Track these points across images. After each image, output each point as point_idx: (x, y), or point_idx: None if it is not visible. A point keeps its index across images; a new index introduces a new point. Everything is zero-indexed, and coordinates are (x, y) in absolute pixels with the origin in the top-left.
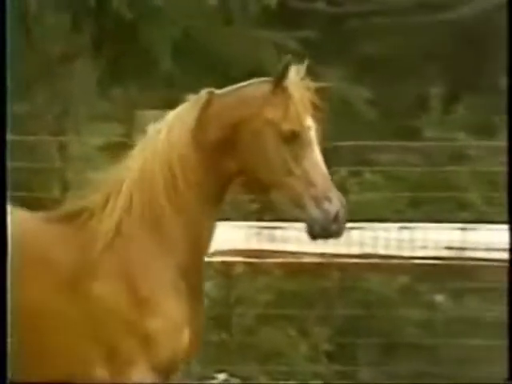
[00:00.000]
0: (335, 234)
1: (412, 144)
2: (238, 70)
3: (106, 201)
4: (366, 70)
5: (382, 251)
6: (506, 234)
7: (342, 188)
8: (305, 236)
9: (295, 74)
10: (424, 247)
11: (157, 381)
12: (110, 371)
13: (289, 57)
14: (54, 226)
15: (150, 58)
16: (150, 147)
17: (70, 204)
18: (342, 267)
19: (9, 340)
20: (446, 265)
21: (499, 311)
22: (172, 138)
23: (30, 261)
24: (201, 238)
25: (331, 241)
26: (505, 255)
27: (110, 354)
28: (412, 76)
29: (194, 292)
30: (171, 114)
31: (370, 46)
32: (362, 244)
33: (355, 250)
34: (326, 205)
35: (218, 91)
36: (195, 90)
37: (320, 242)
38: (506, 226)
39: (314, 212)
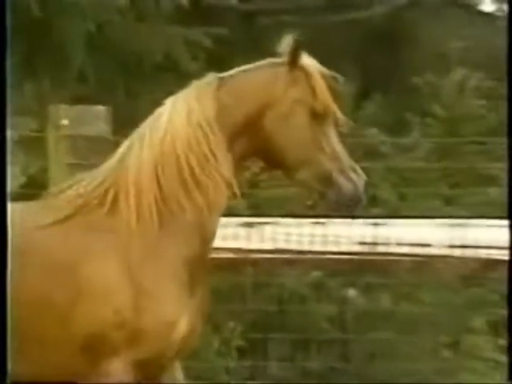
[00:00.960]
0: (353, 207)
1: None
2: (149, 65)
3: (116, 195)
4: None
5: (294, 246)
6: (418, 229)
7: (254, 183)
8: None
9: (304, 55)
10: (337, 242)
11: (135, 375)
12: (87, 360)
13: (295, 37)
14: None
15: (63, 53)
16: (158, 132)
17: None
18: (255, 263)
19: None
20: (358, 260)
21: (411, 306)
22: (194, 120)
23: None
24: (207, 229)
25: (244, 236)
26: (417, 250)
27: (92, 341)
28: None
29: (195, 284)
30: (175, 100)
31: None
32: (274, 239)
33: (268, 246)
34: (354, 177)
35: (222, 75)
36: (108, 85)
37: (231, 237)
38: (416, 221)
39: (345, 184)
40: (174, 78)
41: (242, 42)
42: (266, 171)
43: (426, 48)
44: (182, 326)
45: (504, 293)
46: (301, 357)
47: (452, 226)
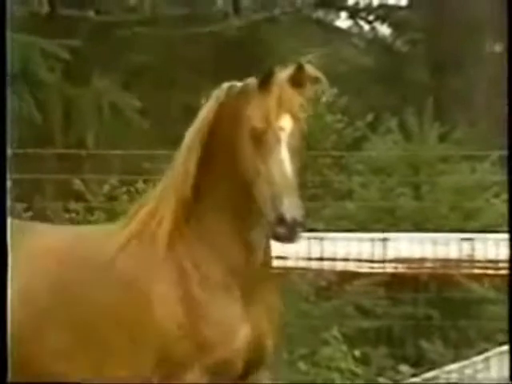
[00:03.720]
0: (282, 237)
1: None
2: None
3: (156, 209)
4: (136, 78)
5: None
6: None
7: (113, 196)
8: None
9: (283, 74)
10: None
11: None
12: (163, 375)
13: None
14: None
15: None
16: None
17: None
18: None
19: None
20: None
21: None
22: (193, 135)
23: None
24: (248, 238)
25: None
26: (274, 262)
27: (162, 357)
28: (180, 86)
29: (249, 293)
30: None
31: (138, 56)
32: None
33: None
34: (277, 205)
35: (238, 84)
36: None
37: None
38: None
39: (268, 213)
40: (31, 87)
41: (99, 54)
42: None
43: (281, 62)
44: (244, 334)
45: (360, 304)
46: None
47: (309, 238)
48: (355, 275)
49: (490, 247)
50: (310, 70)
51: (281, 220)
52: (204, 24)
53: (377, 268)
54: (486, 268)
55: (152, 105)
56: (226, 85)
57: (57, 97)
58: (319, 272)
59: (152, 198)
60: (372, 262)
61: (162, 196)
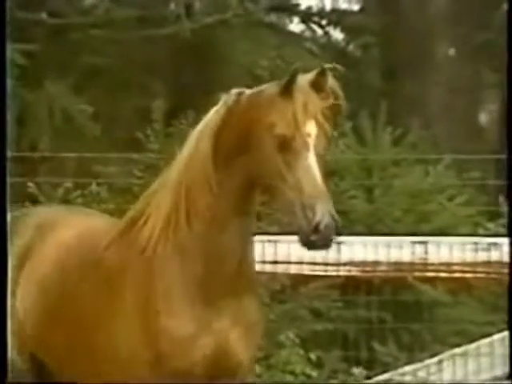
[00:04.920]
0: (317, 245)
1: (135, 156)
2: None
3: (143, 210)
4: (89, 81)
5: None
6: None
7: (68, 200)
8: None
9: (305, 80)
10: None
11: None
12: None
13: (298, 63)
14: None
15: None
16: (183, 154)
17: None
18: None
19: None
20: None
21: None
22: (199, 144)
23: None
24: (225, 251)
25: None
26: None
27: (126, 363)
28: (134, 89)
29: (216, 306)
30: (204, 119)
31: (91, 58)
32: None
33: None
34: (310, 214)
35: (247, 91)
36: None
37: None
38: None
39: (300, 220)
40: None
41: (54, 57)
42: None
43: (235, 66)
44: (203, 346)
45: (314, 307)
46: None
47: (263, 242)
48: (309, 278)
49: (442, 250)
50: (331, 79)
51: (315, 229)
52: (157, 27)
53: (331, 271)
54: (439, 271)
55: (105, 108)
56: (234, 90)
57: (11, 101)
58: (273, 275)
59: (148, 198)
60: (326, 265)
61: (158, 198)
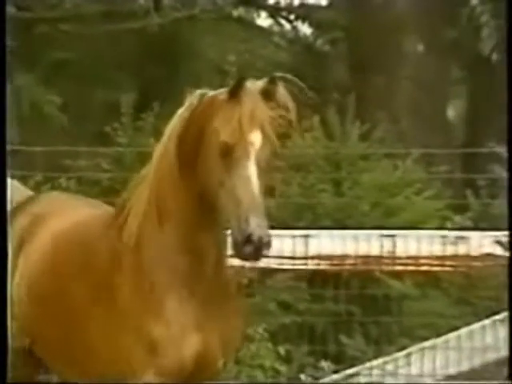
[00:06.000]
0: (249, 256)
1: (104, 149)
2: None
3: (125, 203)
4: (57, 75)
5: None
6: None
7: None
8: None
9: (255, 87)
10: None
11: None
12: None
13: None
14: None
15: None
16: (157, 148)
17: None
18: None
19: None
20: None
21: None
22: (167, 143)
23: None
24: (202, 248)
25: None
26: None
27: (119, 358)
28: (102, 83)
29: (202, 299)
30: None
31: (59, 52)
32: None
33: None
34: (243, 225)
35: (211, 92)
36: None
37: None
38: None
39: (234, 230)
40: None
41: (21, 51)
42: None
43: (203, 60)
44: (192, 343)
45: (282, 300)
46: None
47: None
48: (276, 271)
49: (410, 244)
50: (281, 90)
51: (248, 240)
52: (125, 21)
53: (298, 265)
54: (407, 264)
55: (73, 102)
56: (199, 92)
57: None
58: (240, 269)
59: (132, 190)
60: (293, 258)
61: (138, 191)
